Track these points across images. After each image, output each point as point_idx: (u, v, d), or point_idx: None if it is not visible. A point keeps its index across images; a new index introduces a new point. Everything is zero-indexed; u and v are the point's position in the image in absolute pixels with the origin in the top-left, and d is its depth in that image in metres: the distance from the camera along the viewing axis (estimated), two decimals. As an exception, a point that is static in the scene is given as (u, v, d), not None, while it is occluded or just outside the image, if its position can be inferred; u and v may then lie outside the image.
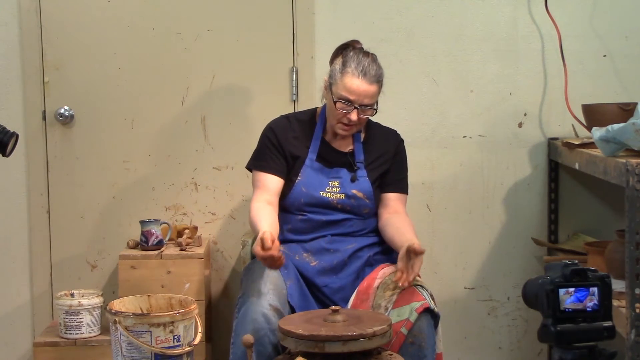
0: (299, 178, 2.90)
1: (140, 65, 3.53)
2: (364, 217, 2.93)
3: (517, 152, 3.59)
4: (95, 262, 3.56)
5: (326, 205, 2.89)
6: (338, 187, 2.90)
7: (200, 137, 3.56)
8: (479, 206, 3.60)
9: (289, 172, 2.92)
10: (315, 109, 3.05)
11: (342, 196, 2.89)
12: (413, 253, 2.64)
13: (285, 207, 2.91)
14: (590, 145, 3.00)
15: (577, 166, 3.03)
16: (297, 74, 3.52)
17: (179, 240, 3.34)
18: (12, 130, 2.57)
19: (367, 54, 2.86)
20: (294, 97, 3.54)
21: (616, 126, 2.57)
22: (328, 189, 2.90)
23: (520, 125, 3.59)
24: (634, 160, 2.42)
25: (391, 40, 3.54)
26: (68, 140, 3.53)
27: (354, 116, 2.82)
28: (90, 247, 3.56)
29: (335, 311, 2.47)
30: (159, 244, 3.33)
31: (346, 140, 2.97)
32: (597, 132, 2.66)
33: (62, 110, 3.50)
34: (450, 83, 3.57)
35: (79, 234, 3.55)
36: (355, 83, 2.79)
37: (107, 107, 3.53)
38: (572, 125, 3.47)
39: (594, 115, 3.16)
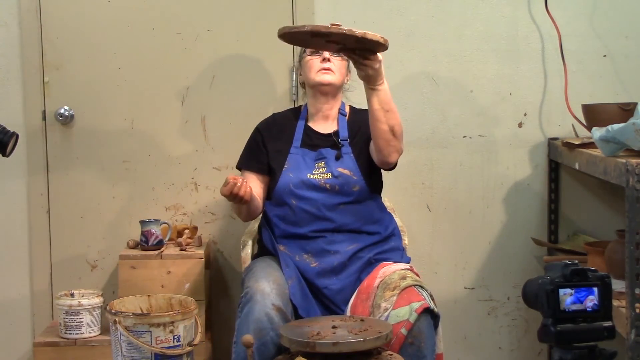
0: (285, 166, 2.96)
1: (140, 65, 3.53)
2: (356, 197, 2.92)
3: (517, 152, 3.59)
4: (95, 262, 3.56)
5: (315, 188, 2.90)
6: (324, 167, 2.94)
7: (200, 137, 3.56)
8: (479, 206, 3.60)
9: (275, 167, 2.97)
10: (301, 105, 3.17)
11: (329, 175, 2.92)
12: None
13: (276, 197, 2.94)
14: (590, 145, 3.00)
15: (577, 166, 3.03)
16: (297, 74, 3.52)
17: (179, 240, 3.34)
18: (12, 130, 2.57)
19: None
20: (294, 97, 3.54)
21: (616, 126, 2.57)
22: (315, 171, 2.94)
23: (520, 125, 3.59)
24: (634, 160, 2.42)
25: (391, 40, 3.52)
26: (68, 140, 3.53)
27: (326, 53, 2.97)
28: (90, 247, 3.56)
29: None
30: (159, 244, 3.33)
31: (330, 122, 3.04)
32: (597, 132, 2.66)
33: (62, 110, 3.50)
34: (450, 83, 3.57)
35: (79, 234, 3.55)
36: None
37: (107, 107, 3.53)
38: (572, 125, 3.47)
39: (594, 115, 3.16)
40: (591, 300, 1.95)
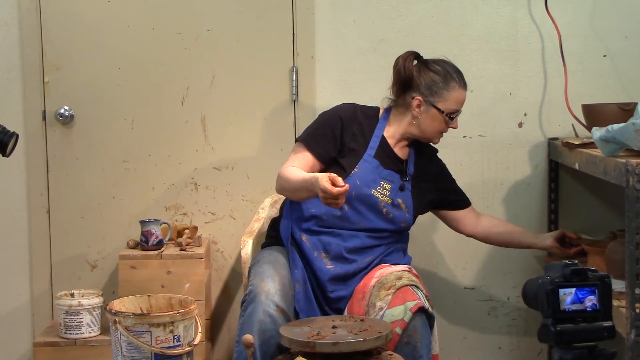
0: (355, 170, 2.87)
1: (140, 65, 3.53)
2: (399, 229, 2.93)
3: (517, 152, 3.59)
4: (95, 262, 3.56)
5: (372, 206, 2.87)
6: (389, 190, 2.90)
7: (200, 137, 3.56)
8: (479, 206, 3.57)
9: (344, 165, 2.88)
10: (378, 107, 3.05)
11: (389, 200, 2.90)
12: (568, 238, 3.12)
13: None
14: (590, 145, 3.00)
15: (577, 166, 3.03)
16: (297, 74, 3.52)
17: (179, 240, 3.34)
18: (12, 130, 2.57)
19: (445, 61, 2.99)
20: (294, 97, 3.54)
21: (616, 126, 2.56)
22: (379, 189, 2.89)
23: (520, 125, 3.59)
24: (634, 160, 2.42)
25: (391, 40, 3.55)
26: (68, 140, 3.53)
27: (456, 123, 2.99)
28: (90, 247, 3.56)
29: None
30: (159, 244, 3.33)
31: (404, 149, 3.00)
32: (597, 132, 2.66)
33: (62, 110, 3.50)
34: (450, 83, 3.57)
35: (79, 234, 3.55)
36: (463, 95, 2.96)
37: (107, 107, 3.53)
38: (572, 125, 3.47)
39: (594, 115, 3.15)
40: (591, 300, 1.95)
